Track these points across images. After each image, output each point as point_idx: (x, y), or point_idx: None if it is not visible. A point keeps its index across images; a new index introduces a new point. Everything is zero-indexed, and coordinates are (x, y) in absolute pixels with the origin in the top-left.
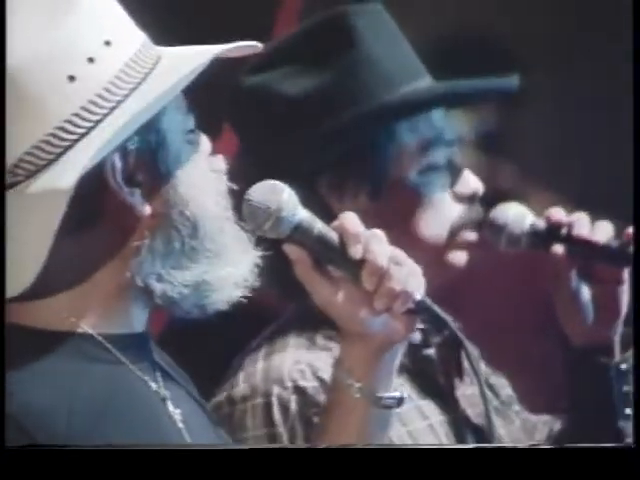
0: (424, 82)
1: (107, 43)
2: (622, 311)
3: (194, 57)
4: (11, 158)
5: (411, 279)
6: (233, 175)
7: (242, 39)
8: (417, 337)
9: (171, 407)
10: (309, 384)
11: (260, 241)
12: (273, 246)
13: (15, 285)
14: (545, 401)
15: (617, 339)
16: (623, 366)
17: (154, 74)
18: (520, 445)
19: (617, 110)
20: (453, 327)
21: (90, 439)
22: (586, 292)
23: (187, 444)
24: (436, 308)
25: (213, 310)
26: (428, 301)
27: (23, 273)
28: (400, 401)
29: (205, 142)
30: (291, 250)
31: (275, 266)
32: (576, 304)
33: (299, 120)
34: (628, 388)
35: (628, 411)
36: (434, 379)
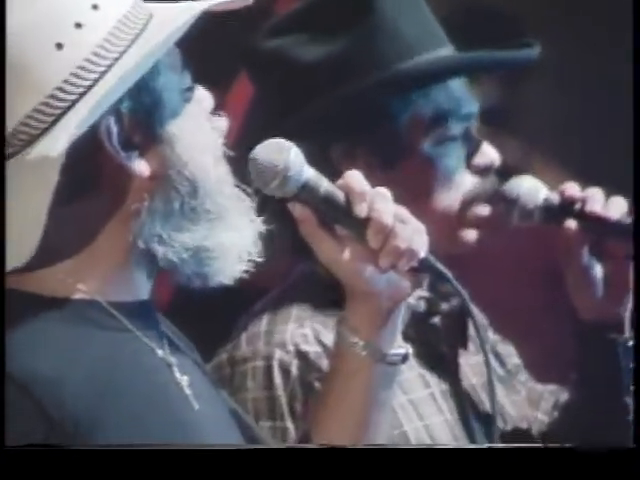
0: (445, 51)
1: (94, 7)
2: (632, 288)
3: (183, 12)
4: (7, 128)
5: (416, 237)
6: (240, 137)
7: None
8: (421, 305)
9: (178, 374)
10: (311, 349)
11: (262, 204)
12: (276, 211)
13: (18, 256)
14: (553, 372)
15: (627, 315)
16: (631, 343)
17: (145, 34)
18: (519, 445)
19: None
20: (457, 287)
21: (96, 407)
22: (597, 268)
23: (187, 444)
24: (440, 266)
25: (216, 282)
26: (432, 259)
27: (25, 244)
28: (405, 357)
29: (207, 99)
30: (297, 209)
31: (279, 231)
32: (587, 279)
33: (314, 85)
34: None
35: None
36: (438, 348)
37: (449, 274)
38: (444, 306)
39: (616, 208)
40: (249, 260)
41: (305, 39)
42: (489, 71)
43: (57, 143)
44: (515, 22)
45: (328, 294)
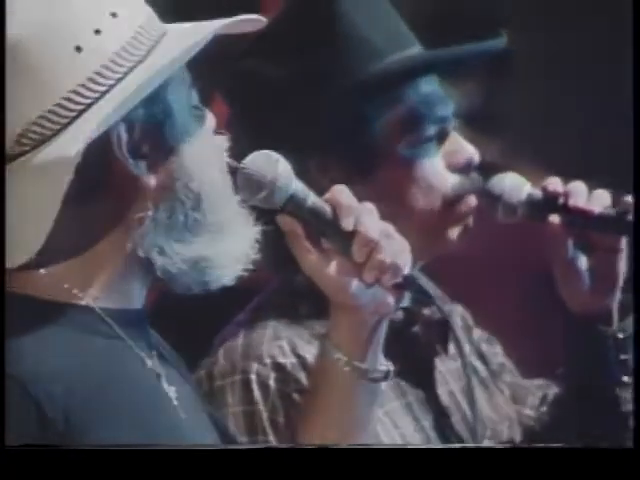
0: (414, 51)
1: (113, 15)
2: (620, 279)
3: (198, 31)
4: (17, 128)
5: (400, 253)
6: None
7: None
8: (400, 315)
9: (165, 385)
10: (288, 360)
11: (260, 216)
12: (269, 220)
13: (19, 255)
14: (541, 367)
15: (615, 307)
16: (620, 334)
17: (159, 47)
18: (519, 445)
19: (608, 76)
20: (439, 304)
21: (87, 411)
22: (584, 261)
23: (186, 444)
24: (423, 283)
25: (215, 287)
26: (416, 275)
27: (27, 243)
28: (387, 375)
29: (210, 119)
30: (284, 221)
31: (266, 240)
32: (574, 273)
33: (287, 100)
34: (626, 356)
35: (626, 379)
36: (416, 356)
37: (431, 292)
38: (425, 311)
39: (599, 201)
40: (245, 262)
41: (275, 56)
42: (459, 65)
43: (73, 145)
44: (484, 18)
45: (305, 305)
